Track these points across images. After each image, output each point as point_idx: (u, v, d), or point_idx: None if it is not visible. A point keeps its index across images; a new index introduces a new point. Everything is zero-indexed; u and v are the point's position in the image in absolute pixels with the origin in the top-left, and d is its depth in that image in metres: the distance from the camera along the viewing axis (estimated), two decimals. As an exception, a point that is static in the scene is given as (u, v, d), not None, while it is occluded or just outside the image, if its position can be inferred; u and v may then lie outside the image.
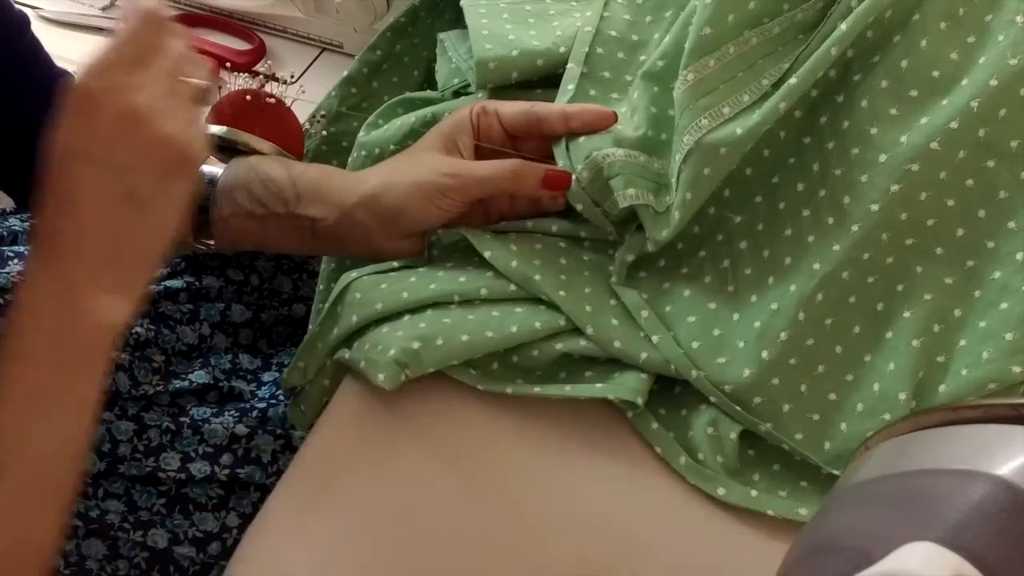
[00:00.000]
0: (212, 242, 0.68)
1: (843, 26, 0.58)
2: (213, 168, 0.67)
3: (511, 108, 0.64)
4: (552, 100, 0.66)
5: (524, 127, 0.64)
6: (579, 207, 0.63)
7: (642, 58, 0.68)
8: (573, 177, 0.62)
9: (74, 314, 0.49)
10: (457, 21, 0.74)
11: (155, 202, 0.50)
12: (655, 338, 0.60)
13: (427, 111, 0.71)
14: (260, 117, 0.71)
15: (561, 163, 0.63)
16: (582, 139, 0.62)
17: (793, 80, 0.59)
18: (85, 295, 0.49)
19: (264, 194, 0.65)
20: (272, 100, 0.72)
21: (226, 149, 0.69)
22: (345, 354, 0.62)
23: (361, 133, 0.73)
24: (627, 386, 0.59)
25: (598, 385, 0.60)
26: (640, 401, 0.59)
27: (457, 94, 0.73)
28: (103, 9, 1.04)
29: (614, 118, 0.63)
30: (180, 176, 0.51)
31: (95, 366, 0.51)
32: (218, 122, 0.70)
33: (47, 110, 0.49)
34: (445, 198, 0.62)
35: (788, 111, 0.60)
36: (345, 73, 0.78)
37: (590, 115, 0.63)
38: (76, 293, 0.49)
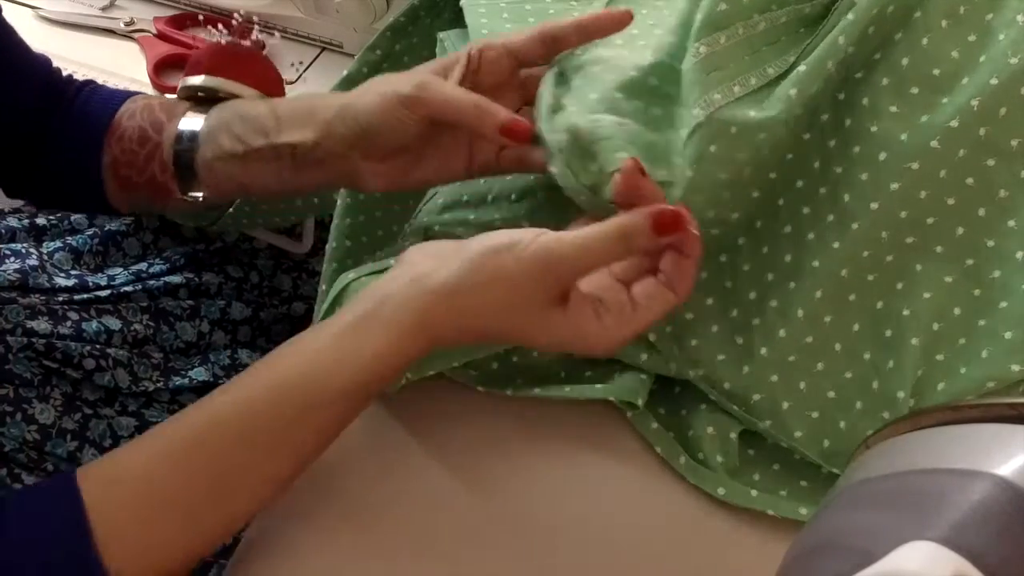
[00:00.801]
0: (200, 195, 0.67)
1: (850, 16, 0.58)
2: (191, 121, 0.66)
3: (521, 36, 0.62)
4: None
5: (540, 50, 0.62)
6: (553, 170, 0.59)
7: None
8: (552, 142, 0.58)
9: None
10: (457, 21, 0.74)
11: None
12: (653, 337, 0.60)
13: (426, 109, 0.70)
14: (237, 64, 0.70)
15: (539, 126, 0.59)
16: (571, 108, 0.59)
17: (802, 67, 0.58)
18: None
19: (244, 130, 0.64)
20: (248, 45, 0.71)
21: (207, 100, 0.68)
22: (344, 354, 0.61)
23: (361, 132, 0.73)
24: (627, 386, 0.59)
25: (598, 386, 0.60)
26: (640, 402, 0.59)
27: (456, 93, 0.73)
28: (103, 9, 1.03)
29: (630, 17, 0.61)
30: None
31: None
32: (196, 73, 0.69)
33: (23, 96, 0.47)
34: (404, 109, 0.60)
35: (792, 105, 0.59)
36: (345, 73, 0.78)
37: (604, 20, 0.61)
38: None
